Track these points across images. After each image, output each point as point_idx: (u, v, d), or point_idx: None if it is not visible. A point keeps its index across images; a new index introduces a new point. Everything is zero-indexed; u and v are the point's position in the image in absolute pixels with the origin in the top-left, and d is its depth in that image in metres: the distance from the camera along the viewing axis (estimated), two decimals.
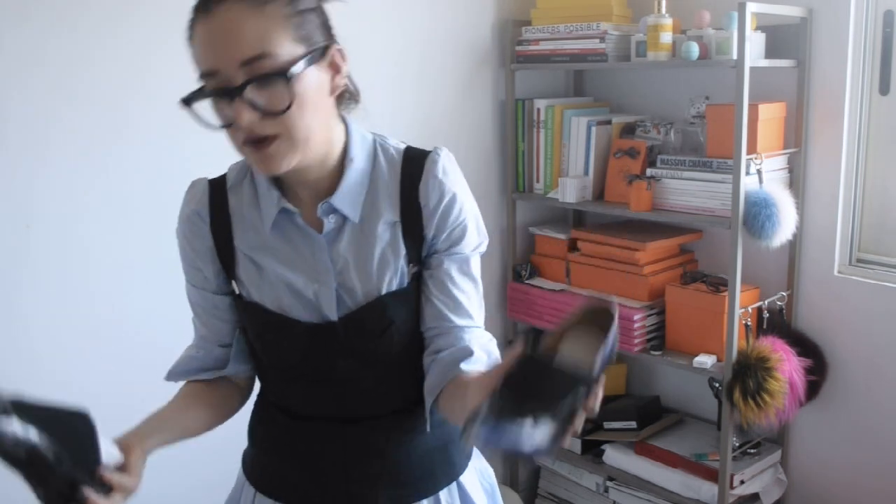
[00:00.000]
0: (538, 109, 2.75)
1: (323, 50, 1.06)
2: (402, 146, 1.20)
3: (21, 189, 1.90)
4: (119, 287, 2.07)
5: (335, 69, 1.09)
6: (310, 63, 1.03)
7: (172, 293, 2.16)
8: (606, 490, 2.68)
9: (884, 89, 2.36)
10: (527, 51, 2.71)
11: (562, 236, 2.76)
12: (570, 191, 2.62)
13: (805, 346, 2.40)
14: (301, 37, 1.03)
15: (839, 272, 2.42)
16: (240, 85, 0.99)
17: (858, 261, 2.43)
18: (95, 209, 2.01)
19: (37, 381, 1.97)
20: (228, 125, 1.03)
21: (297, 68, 1.01)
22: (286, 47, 1.01)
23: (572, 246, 2.75)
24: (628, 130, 2.68)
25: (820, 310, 2.46)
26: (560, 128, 2.71)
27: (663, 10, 2.38)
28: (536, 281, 2.80)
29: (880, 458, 2.40)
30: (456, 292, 1.16)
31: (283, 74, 1.00)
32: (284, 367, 1.21)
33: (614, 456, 2.62)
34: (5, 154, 1.87)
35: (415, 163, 1.16)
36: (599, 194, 2.67)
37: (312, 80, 1.04)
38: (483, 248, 1.22)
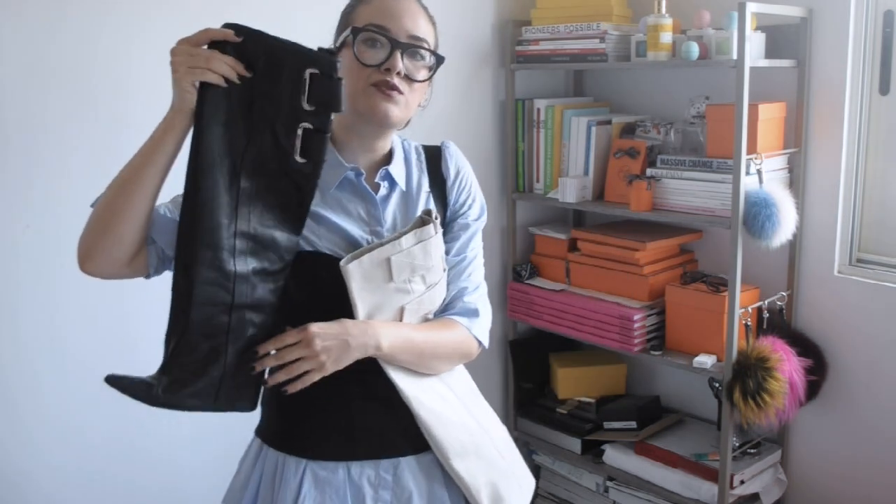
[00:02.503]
0: (538, 109, 2.75)
1: (436, 68, 1.36)
2: (417, 143, 1.48)
3: (21, 189, 1.90)
4: (118, 287, 2.06)
5: (429, 86, 1.39)
6: (435, 69, 1.36)
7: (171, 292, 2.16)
8: (606, 490, 2.68)
9: (884, 89, 2.36)
10: (527, 51, 2.71)
11: (562, 236, 2.76)
12: (570, 191, 2.62)
13: (805, 346, 2.40)
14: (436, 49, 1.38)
15: (839, 272, 2.42)
16: (405, 43, 1.30)
17: (858, 261, 2.43)
18: None
19: (37, 381, 1.98)
20: (370, 65, 1.29)
21: (438, 61, 1.36)
22: (433, 48, 1.36)
23: (572, 246, 2.75)
24: (628, 130, 2.69)
25: (820, 310, 2.46)
26: (560, 128, 2.71)
27: (663, 10, 2.38)
28: (536, 281, 2.80)
29: (880, 457, 2.40)
30: (467, 255, 1.44)
31: (436, 56, 1.35)
32: (326, 305, 1.30)
33: (614, 456, 2.62)
34: (5, 154, 1.87)
35: (433, 150, 1.47)
36: (599, 194, 2.67)
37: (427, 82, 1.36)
38: (484, 221, 1.48)
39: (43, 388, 1.99)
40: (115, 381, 1.21)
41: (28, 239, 1.93)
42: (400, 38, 1.30)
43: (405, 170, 1.42)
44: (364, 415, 1.35)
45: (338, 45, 1.35)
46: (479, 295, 1.45)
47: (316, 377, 1.24)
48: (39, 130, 1.91)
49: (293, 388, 1.24)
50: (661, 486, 2.51)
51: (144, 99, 2.05)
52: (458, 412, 1.40)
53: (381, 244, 1.31)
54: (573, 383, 2.81)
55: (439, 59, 1.36)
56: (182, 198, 1.20)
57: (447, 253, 1.42)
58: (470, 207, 1.46)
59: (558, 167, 2.73)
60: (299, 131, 1.18)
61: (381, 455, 1.36)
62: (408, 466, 1.38)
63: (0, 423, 1.93)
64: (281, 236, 1.23)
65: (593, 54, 2.53)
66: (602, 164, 2.66)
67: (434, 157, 1.46)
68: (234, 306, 1.20)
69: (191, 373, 1.21)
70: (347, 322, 1.28)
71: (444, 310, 1.42)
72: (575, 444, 2.71)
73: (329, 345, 1.24)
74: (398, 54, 1.29)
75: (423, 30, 1.33)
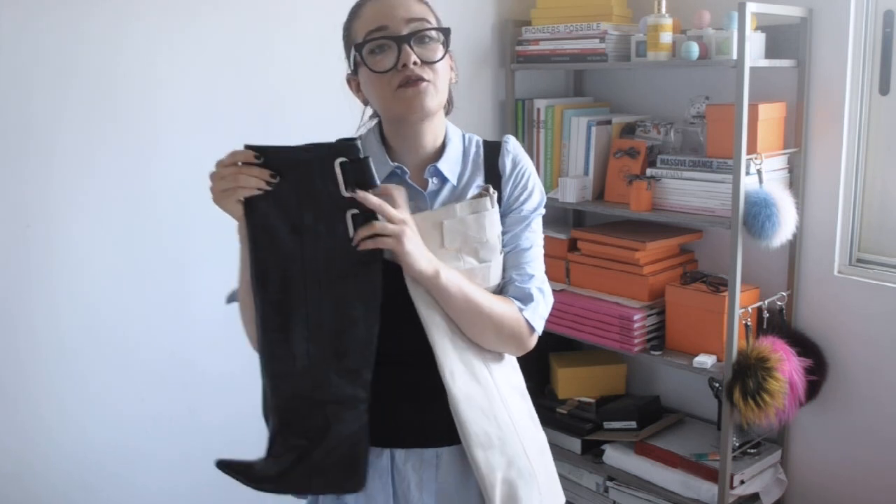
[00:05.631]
0: (538, 109, 2.75)
1: (448, 41, 1.35)
2: (479, 138, 1.48)
3: (21, 189, 1.90)
4: (118, 287, 2.07)
5: (451, 64, 1.38)
6: (447, 42, 1.34)
7: (171, 293, 2.17)
8: (606, 490, 2.68)
9: (884, 89, 2.36)
10: (527, 51, 2.71)
11: (562, 236, 2.76)
12: (570, 191, 2.62)
13: (805, 346, 2.40)
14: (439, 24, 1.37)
15: (839, 272, 2.42)
16: (408, 34, 1.30)
17: (858, 261, 2.43)
18: (95, 209, 2.01)
19: (37, 380, 1.98)
20: (386, 70, 1.30)
21: (445, 33, 1.34)
22: (436, 24, 1.35)
23: (572, 246, 2.75)
24: (628, 130, 2.69)
25: (820, 310, 2.46)
26: (560, 128, 2.72)
27: (663, 10, 2.38)
28: None
29: (880, 457, 2.40)
30: (521, 244, 1.42)
31: (442, 30, 1.34)
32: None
33: (614, 456, 2.62)
34: (5, 154, 1.87)
35: (493, 145, 1.46)
36: (599, 194, 2.67)
37: (446, 57, 1.35)
38: (541, 212, 1.46)
39: (44, 387, 1.99)
40: (222, 464, 1.31)
41: (28, 239, 1.93)
42: (400, 30, 1.30)
43: (460, 164, 1.42)
44: (409, 406, 1.37)
45: (352, 68, 1.38)
46: (533, 283, 1.41)
47: (390, 245, 1.23)
48: (40, 130, 1.91)
49: (363, 246, 1.23)
50: (661, 486, 2.51)
51: (145, 101, 2.05)
52: (493, 402, 1.38)
53: (437, 209, 1.34)
54: (573, 383, 2.81)
55: (446, 32, 1.35)
56: (255, 307, 1.26)
57: (502, 245, 1.41)
58: (525, 201, 1.44)
59: (558, 167, 2.73)
60: (349, 219, 1.22)
61: (426, 445, 1.38)
62: (451, 456, 1.39)
63: (2, 425, 1.93)
64: (358, 333, 1.27)
65: (593, 54, 2.53)
66: (602, 164, 2.66)
67: (492, 153, 1.45)
68: (315, 404, 1.27)
69: (284, 463, 1.29)
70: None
71: (498, 294, 1.41)
72: (575, 444, 2.71)
73: (416, 240, 1.26)
74: (406, 47, 1.29)
75: (417, 11, 1.33)
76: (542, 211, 1.47)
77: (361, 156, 1.20)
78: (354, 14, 1.37)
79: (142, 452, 2.14)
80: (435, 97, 1.33)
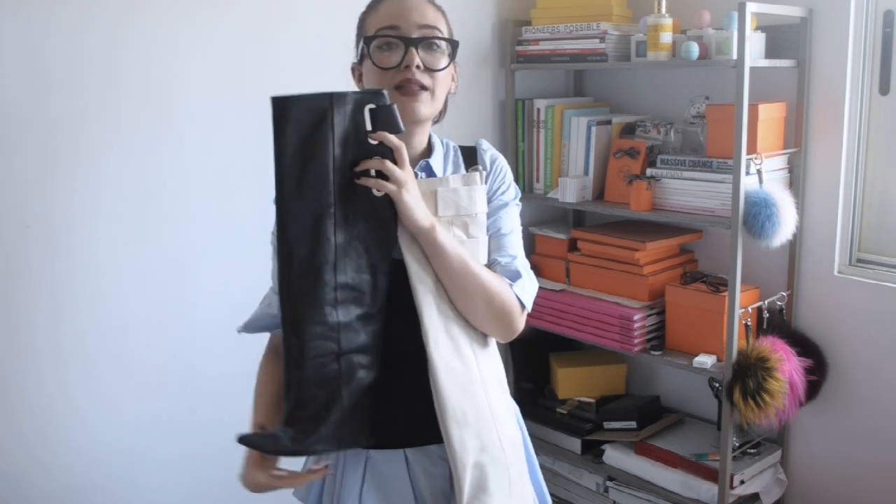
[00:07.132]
0: (538, 109, 2.75)
1: (454, 53, 1.39)
2: (453, 143, 1.53)
3: (21, 189, 1.90)
4: (119, 286, 2.07)
5: (453, 74, 1.43)
6: (453, 54, 1.39)
7: (172, 293, 2.17)
8: (606, 490, 2.68)
9: (884, 89, 2.36)
10: (527, 51, 2.72)
11: (562, 236, 2.76)
12: (570, 191, 2.62)
13: (805, 346, 2.41)
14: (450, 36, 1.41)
15: (839, 272, 2.42)
16: (417, 38, 1.34)
17: (858, 261, 2.43)
18: (95, 209, 2.01)
19: (37, 381, 1.98)
20: (389, 68, 1.33)
21: (453, 45, 1.38)
22: (446, 34, 1.39)
23: (572, 246, 2.75)
24: (628, 130, 2.69)
25: (820, 310, 2.46)
26: (560, 128, 2.72)
27: (663, 10, 2.38)
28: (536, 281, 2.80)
29: (880, 457, 2.40)
30: (502, 229, 1.46)
31: (450, 41, 1.37)
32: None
33: (614, 456, 2.62)
34: (5, 154, 1.87)
35: (469, 148, 1.51)
36: (599, 194, 2.67)
37: (449, 68, 1.39)
38: (517, 202, 1.51)
39: (44, 388, 1.99)
40: (245, 439, 1.30)
41: (28, 239, 1.93)
42: (411, 32, 1.33)
43: (443, 164, 1.46)
44: (417, 404, 1.35)
45: (358, 58, 1.40)
46: (517, 262, 1.44)
47: (391, 190, 1.27)
48: (40, 131, 1.91)
49: (363, 181, 1.27)
50: (661, 486, 2.51)
51: (145, 101, 2.05)
52: (473, 383, 1.36)
53: (431, 178, 1.39)
54: (573, 383, 2.81)
55: (454, 44, 1.38)
56: (277, 262, 1.26)
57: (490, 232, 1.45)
58: (504, 192, 1.48)
59: (558, 167, 2.73)
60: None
61: (433, 441, 1.37)
62: None
63: (3, 423, 1.93)
64: (375, 280, 1.31)
65: (593, 54, 2.53)
66: (602, 164, 2.66)
67: (470, 155, 1.49)
68: (341, 353, 1.29)
69: (313, 422, 1.29)
70: None
71: None
72: (575, 444, 2.71)
73: (415, 193, 1.31)
74: (413, 50, 1.32)
75: (431, 19, 1.36)
76: (519, 204, 1.52)
77: (388, 103, 1.26)
78: (371, 7, 1.40)
79: (142, 451, 2.14)
80: (430, 106, 1.37)
